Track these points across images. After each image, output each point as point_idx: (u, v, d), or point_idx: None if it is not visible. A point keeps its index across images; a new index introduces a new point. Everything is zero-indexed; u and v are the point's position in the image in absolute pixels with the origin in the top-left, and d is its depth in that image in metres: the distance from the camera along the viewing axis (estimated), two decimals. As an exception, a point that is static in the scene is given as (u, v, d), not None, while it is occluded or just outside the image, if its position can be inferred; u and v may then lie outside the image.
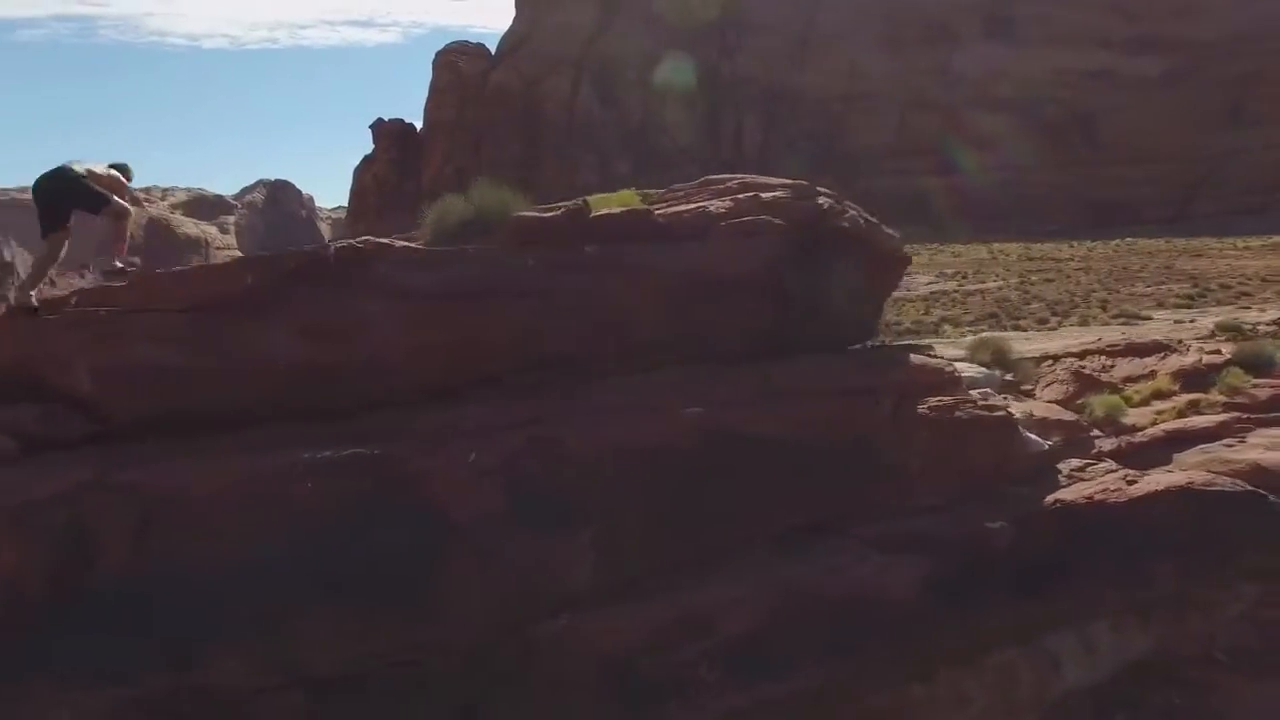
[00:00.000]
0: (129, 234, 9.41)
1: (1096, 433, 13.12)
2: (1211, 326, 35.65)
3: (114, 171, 9.72)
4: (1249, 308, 50.48)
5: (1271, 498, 11.34)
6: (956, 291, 62.88)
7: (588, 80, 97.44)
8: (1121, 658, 11.37)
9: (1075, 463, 11.55)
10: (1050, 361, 15.63)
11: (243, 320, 7.33)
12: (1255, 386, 15.14)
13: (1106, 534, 10.12)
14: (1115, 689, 11.55)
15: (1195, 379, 15.48)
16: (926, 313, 58.47)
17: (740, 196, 9.76)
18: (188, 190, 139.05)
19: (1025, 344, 18.74)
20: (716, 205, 9.47)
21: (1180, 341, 17.69)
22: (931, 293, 63.69)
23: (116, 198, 9.53)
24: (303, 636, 6.71)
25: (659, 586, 8.16)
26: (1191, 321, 44.15)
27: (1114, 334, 22.79)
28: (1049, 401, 13.81)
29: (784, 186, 10.52)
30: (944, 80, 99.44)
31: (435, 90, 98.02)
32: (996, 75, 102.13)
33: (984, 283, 65.47)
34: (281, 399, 7.46)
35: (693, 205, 9.40)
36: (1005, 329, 48.25)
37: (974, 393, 11.82)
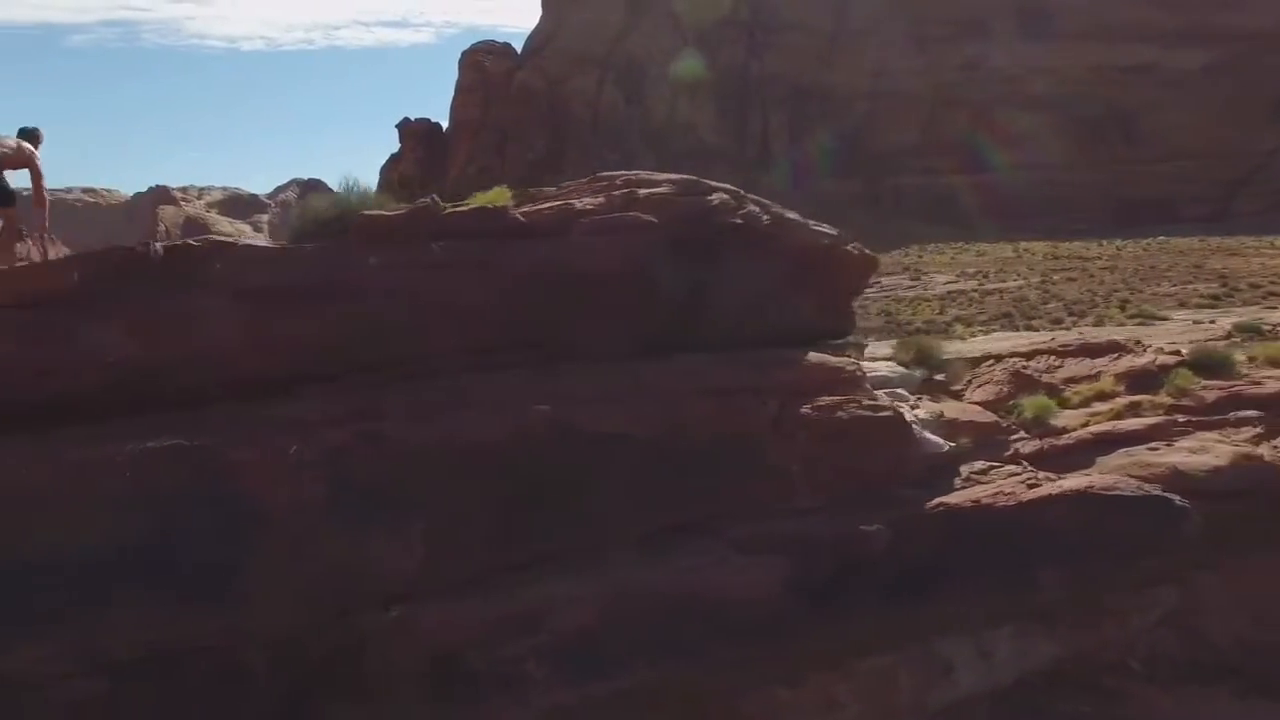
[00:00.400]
0: (14, 238, 9.70)
1: (1021, 434, 12.87)
2: (1229, 327, 34.80)
3: (24, 144, 10.00)
4: (1276, 308, 49.11)
5: (1178, 501, 11.03)
6: (975, 291, 62.04)
7: (613, 79, 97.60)
8: (1023, 665, 11.12)
9: (980, 465, 11.31)
10: (992, 361, 15.35)
11: (72, 316, 7.47)
12: (1204, 389, 14.76)
13: (991, 538, 9.90)
14: (1022, 696, 11.31)
15: (1144, 380, 15.12)
16: (941, 312, 57.83)
17: (614, 193, 9.72)
18: (223, 189, 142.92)
19: (972, 344, 18.44)
20: (584, 202, 9.44)
21: (1138, 342, 17.27)
22: (949, 292, 62.92)
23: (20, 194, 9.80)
24: (108, 624, 6.82)
25: (503, 583, 8.16)
26: (1211, 322, 43.26)
27: (1071, 333, 22.32)
28: (976, 402, 13.56)
29: (670, 182, 10.45)
30: (974, 77, 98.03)
31: (461, 90, 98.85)
32: (1031, 72, 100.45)
33: (1004, 282, 64.50)
34: (115, 393, 7.58)
35: (557, 202, 9.38)
36: (1018, 329, 47.53)
37: (880, 393, 11.65)
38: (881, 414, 10.19)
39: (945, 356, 14.41)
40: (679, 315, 10.34)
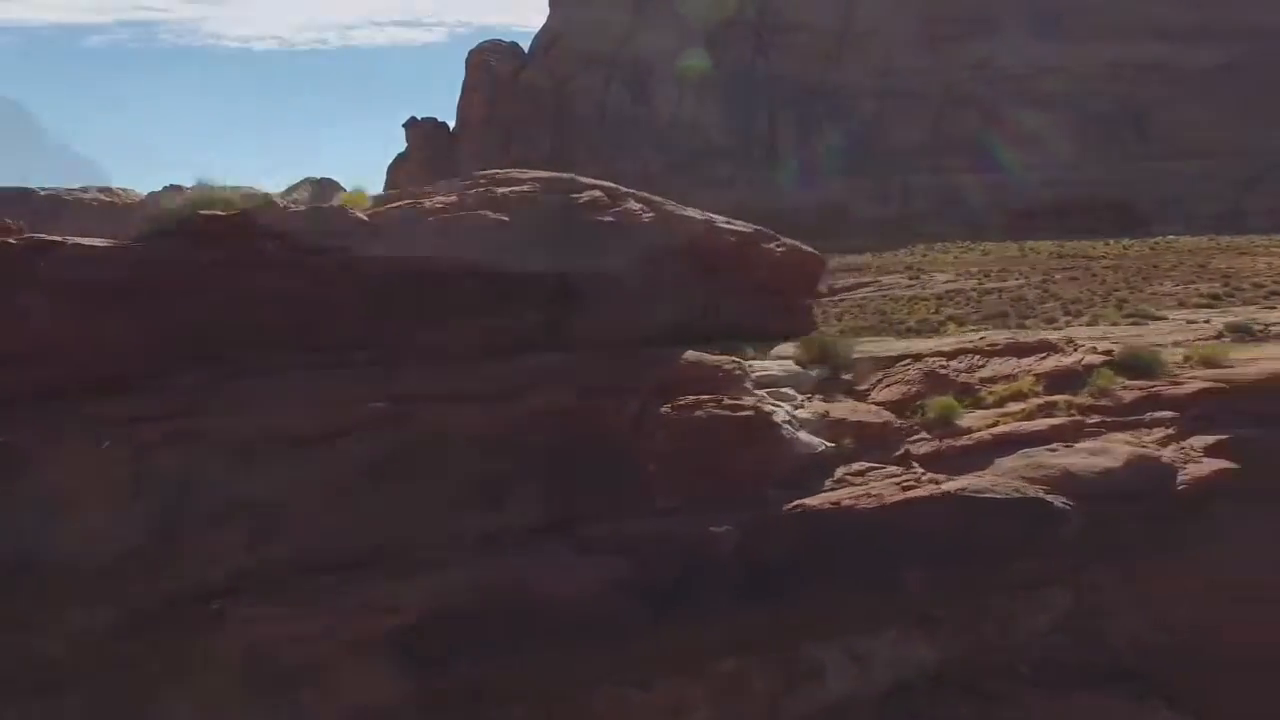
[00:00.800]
0: None
1: (922, 435, 12.73)
2: (1221, 326, 34.36)
3: None
4: (1274, 308, 48.29)
5: (1059, 503, 10.86)
6: (974, 290, 61.49)
7: (619, 78, 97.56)
8: (903, 669, 10.98)
9: (859, 466, 11.18)
10: (910, 360, 15.20)
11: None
12: (1124, 389, 14.57)
13: (851, 540, 9.78)
14: (902, 701, 11.17)
15: (1068, 380, 14.95)
16: (936, 311, 57.27)
17: (470, 191, 9.71)
18: (235, 189, 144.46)
19: (892, 343, 18.24)
20: (435, 201, 9.44)
21: (1069, 341, 17.05)
22: (948, 291, 62.37)
23: None
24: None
25: (328, 580, 8.18)
26: (1205, 321, 42.62)
27: (1002, 334, 21.98)
28: (880, 402, 13.42)
29: (536, 180, 10.43)
30: (984, 75, 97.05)
31: (467, 89, 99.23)
32: (1042, 70, 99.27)
33: (1005, 281, 63.94)
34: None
35: (406, 201, 9.38)
36: (1011, 328, 46.99)
37: (760, 392, 11.54)
38: (742, 413, 10.09)
39: (855, 355, 14.26)
40: (547, 313, 10.32)
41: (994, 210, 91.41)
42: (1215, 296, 55.70)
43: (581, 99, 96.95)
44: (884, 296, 62.29)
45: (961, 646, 11.14)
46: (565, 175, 10.80)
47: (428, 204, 9.28)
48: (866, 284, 66.45)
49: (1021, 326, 49.91)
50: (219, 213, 8.50)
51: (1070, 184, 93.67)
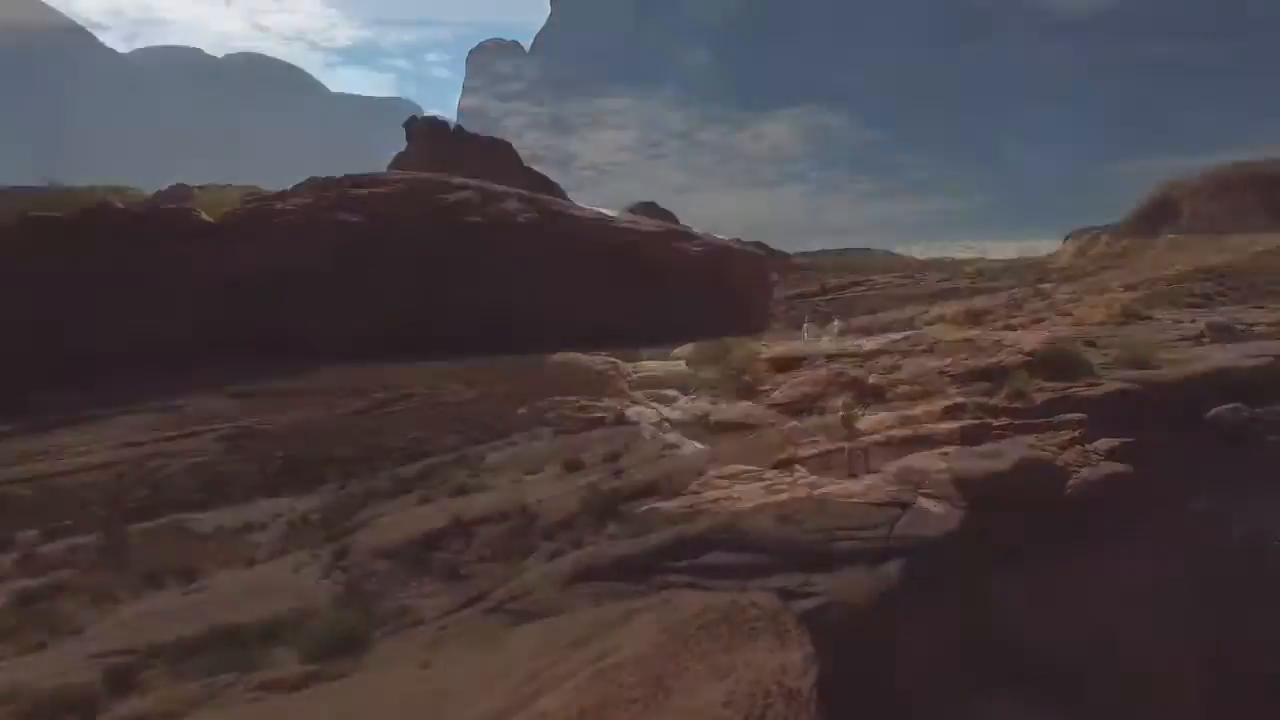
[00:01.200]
0: None
1: (815, 437, 12.70)
2: (1203, 326, 33.98)
3: None
4: (1263, 307, 47.66)
5: (934, 508, 10.73)
6: (967, 289, 61.28)
7: (620, 76, 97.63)
8: (782, 679, 10.84)
9: (731, 469, 11.14)
10: (822, 360, 15.17)
11: None
12: (1038, 390, 14.48)
13: (708, 545, 9.71)
14: (789, 711, 11.05)
15: (985, 381, 14.90)
16: (926, 311, 57.11)
17: (327, 192, 9.71)
18: (242, 188, 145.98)
19: (809, 343, 18.17)
20: (289, 202, 9.45)
21: (997, 342, 16.96)
22: (942, 290, 62.24)
23: None
24: None
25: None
26: (1191, 321, 42.01)
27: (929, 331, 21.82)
28: (778, 404, 13.39)
29: (403, 181, 10.45)
30: (992, 74, 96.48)
31: (468, 87, 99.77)
32: (1052, 65, 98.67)
33: (999, 280, 63.67)
34: None
35: (259, 202, 9.39)
36: (995, 328, 46.73)
37: (638, 393, 11.53)
38: (593, 414, 10.07)
39: (761, 356, 14.23)
40: (421, 311, 10.34)
41: (1002, 207, 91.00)
42: (1208, 296, 55.02)
43: (581, 97, 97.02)
44: (879, 294, 62.20)
45: (847, 653, 10.97)
46: (437, 176, 10.80)
47: (279, 205, 9.28)
48: (860, 283, 66.38)
49: (1008, 327, 49.53)
50: (56, 214, 8.54)
51: (1081, 181, 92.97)
